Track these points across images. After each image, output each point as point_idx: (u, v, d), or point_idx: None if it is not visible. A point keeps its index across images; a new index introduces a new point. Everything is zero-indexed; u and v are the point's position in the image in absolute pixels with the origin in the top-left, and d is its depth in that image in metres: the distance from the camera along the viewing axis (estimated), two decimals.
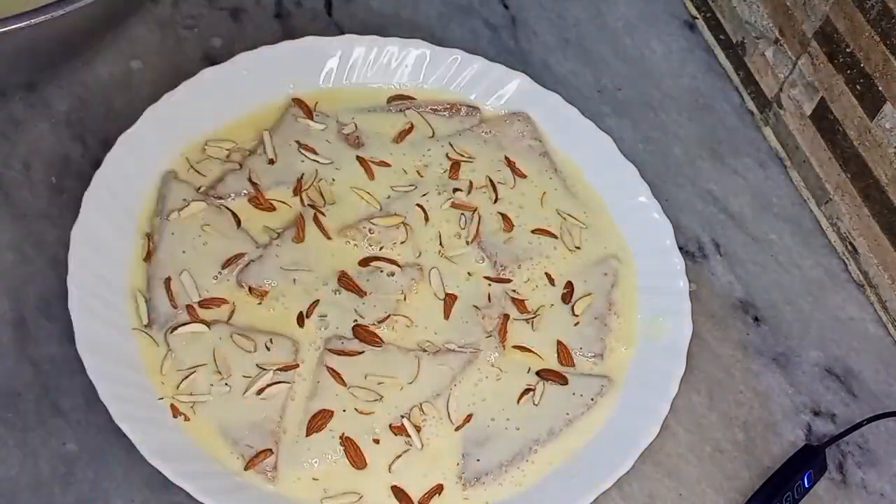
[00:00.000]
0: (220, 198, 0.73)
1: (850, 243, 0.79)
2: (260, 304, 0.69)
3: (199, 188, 0.73)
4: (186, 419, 0.64)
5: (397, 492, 0.65)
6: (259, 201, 0.73)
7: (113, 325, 0.66)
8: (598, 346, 0.72)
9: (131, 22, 0.82)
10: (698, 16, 0.94)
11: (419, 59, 0.81)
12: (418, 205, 0.75)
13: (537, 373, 0.70)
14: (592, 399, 0.69)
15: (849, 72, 0.75)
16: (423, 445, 0.66)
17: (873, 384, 0.75)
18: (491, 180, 0.77)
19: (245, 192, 0.74)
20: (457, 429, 0.67)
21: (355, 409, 0.66)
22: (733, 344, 0.76)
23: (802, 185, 0.85)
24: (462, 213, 0.76)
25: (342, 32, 0.85)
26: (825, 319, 0.78)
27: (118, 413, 0.61)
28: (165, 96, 0.74)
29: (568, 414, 0.69)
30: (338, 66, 0.80)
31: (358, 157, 0.77)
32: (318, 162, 0.76)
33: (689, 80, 0.91)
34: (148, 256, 0.70)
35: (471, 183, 0.77)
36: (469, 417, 0.67)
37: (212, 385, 0.65)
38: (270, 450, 0.64)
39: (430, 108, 0.81)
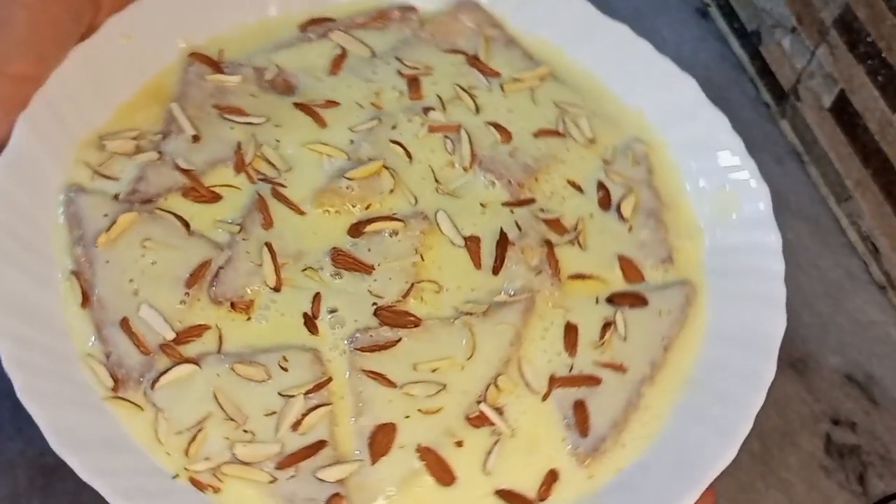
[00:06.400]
0: (149, 200, 0.61)
1: (872, 243, 0.79)
2: (249, 318, 0.59)
3: (117, 195, 0.61)
4: (216, 490, 0.54)
5: (506, 495, 0.56)
6: (198, 192, 0.62)
7: (77, 405, 0.54)
8: (662, 248, 0.65)
9: None
10: (711, 3, 0.95)
11: None
12: (392, 141, 0.65)
13: (608, 300, 0.62)
14: (683, 313, 0.63)
15: (870, 62, 0.76)
16: (513, 430, 0.57)
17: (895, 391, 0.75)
18: (462, 88, 0.69)
19: (177, 185, 0.62)
20: (543, 398, 0.58)
21: (419, 411, 0.57)
22: None
23: (821, 181, 0.85)
24: (446, 136, 0.66)
25: None
26: (845, 323, 0.78)
27: None
28: (37, 95, 0.60)
29: (663, 339, 0.61)
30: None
31: (296, 105, 0.66)
32: (250, 123, 0.65)
33: (701, 70, 0.83)
34: (85, 301, 0.57)
35: (440, 98, 0.68)
36: (553, 378, 0.59)
37: (227, 438, 0.55)
38: (338, 494, 0.54)
39: (357, 24, 0.71)
